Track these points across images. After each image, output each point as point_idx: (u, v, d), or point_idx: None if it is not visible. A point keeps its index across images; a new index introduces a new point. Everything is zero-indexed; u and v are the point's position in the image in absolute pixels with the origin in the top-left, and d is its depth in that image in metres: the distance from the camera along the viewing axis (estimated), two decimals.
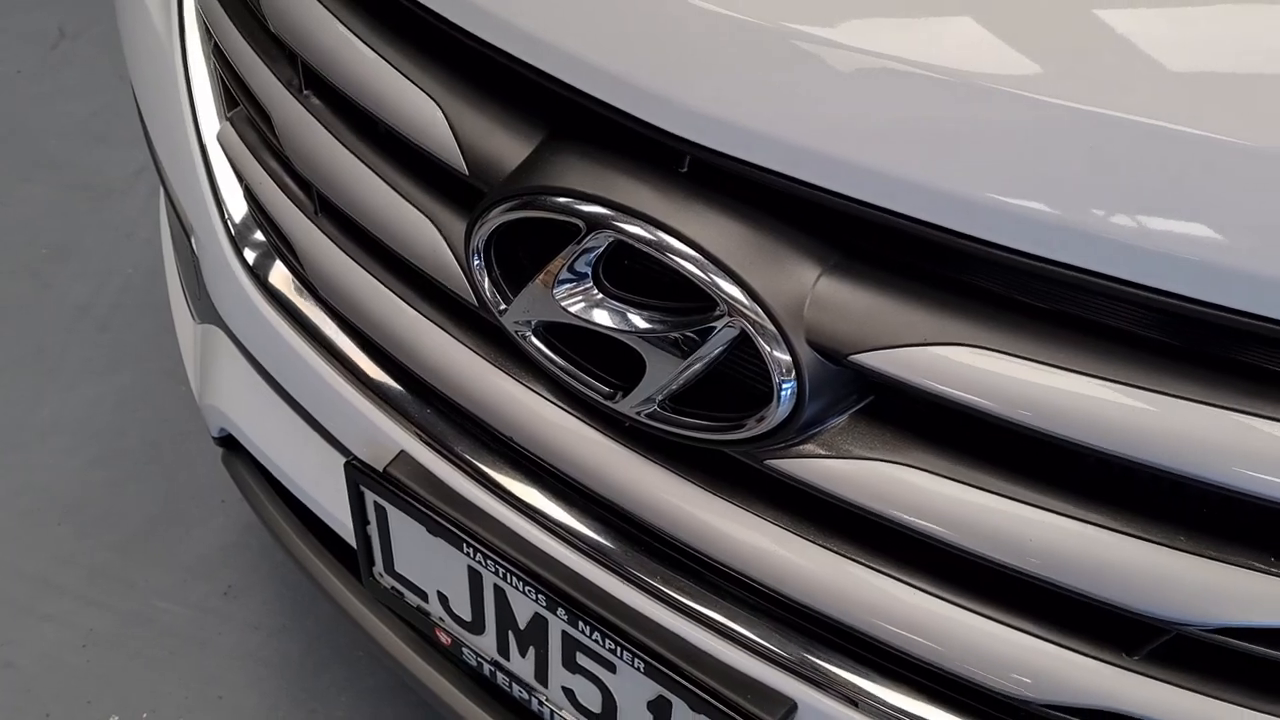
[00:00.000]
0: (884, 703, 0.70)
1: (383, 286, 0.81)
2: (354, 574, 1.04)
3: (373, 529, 0.89)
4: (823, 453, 0.64)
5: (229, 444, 1.19)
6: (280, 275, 0.94)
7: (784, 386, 0.61)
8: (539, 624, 0.81)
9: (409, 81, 0.71)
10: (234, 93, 0.91)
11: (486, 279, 0.69)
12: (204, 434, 1.29)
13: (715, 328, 0.61)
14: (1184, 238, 0.50)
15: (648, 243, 0.61)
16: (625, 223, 0.61)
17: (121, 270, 1.99)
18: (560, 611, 0.78)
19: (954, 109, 0.52)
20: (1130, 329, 0.55)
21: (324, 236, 0.85)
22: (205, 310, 1.09)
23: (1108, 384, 0.54)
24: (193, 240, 1.04)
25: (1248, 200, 0.49)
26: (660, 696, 0.76)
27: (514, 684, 0.89)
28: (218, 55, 0.93)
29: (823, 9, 0.56)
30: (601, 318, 0.65)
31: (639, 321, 0.64)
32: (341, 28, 0.74)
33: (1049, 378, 0.55)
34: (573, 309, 0.65)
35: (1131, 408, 0.54)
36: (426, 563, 0.87)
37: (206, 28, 0.94)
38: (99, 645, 1.51)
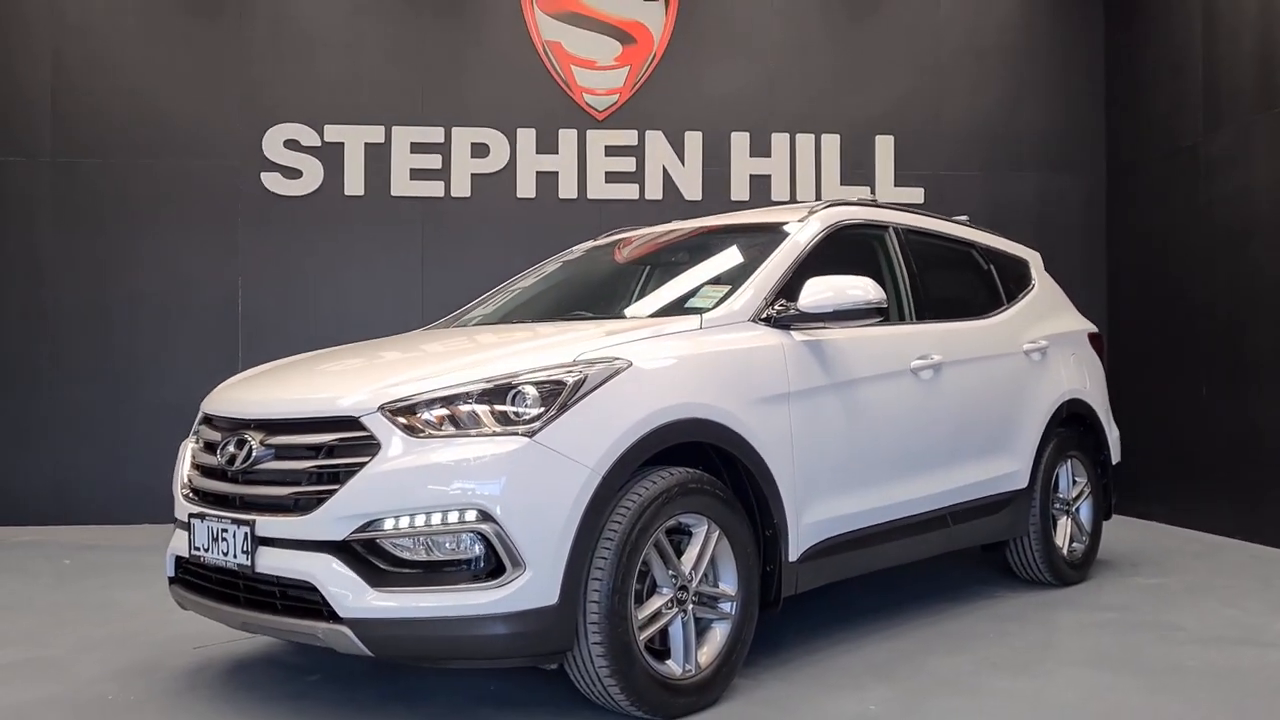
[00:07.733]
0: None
1: (202, 477, 4.01)
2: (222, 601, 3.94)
3: (191, 534, 3.91)
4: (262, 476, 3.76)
5: (172, 580, 4.18)
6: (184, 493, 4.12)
7: (254, 453, 3.75)
8: (218, 533, 3.80)
9: (211, 430, 4.00)
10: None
11: (223, 459, 3.87)
12: None
13: (248, 448, 3.78)
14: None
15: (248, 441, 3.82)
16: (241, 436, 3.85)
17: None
18: (223, 524, 3.79)
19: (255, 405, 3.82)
20: None
21: (191, 467, 4.09)
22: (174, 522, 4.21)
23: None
24: (175, 502, 4.20)
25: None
26: (246, 535, 3.73)
27: (219, 557, 3.81)
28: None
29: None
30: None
31: (233, 453, 3.83)
32: (204, 427, 4.09)
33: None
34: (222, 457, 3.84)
35: None
36: (200, 536, 3.87)
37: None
38: None
